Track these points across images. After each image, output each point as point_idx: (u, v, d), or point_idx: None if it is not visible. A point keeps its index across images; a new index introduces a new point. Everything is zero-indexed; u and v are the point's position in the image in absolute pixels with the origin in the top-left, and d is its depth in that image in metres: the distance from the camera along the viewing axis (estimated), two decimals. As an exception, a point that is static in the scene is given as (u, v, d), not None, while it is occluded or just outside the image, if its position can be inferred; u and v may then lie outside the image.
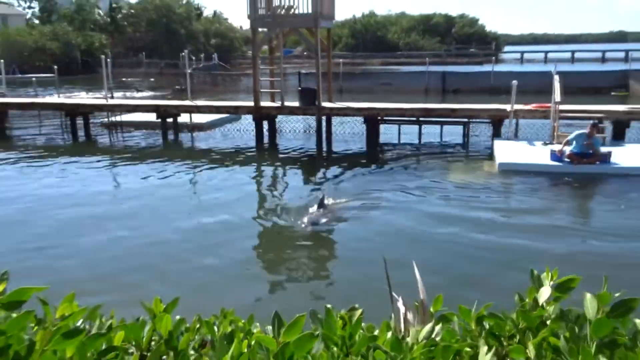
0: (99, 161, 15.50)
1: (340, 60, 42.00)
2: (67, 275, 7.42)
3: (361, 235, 8.99)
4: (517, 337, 1.52)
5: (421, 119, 16.91)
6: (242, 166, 14.81)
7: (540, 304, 1.50)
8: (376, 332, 1.61)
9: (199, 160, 15.40)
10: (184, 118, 19.18)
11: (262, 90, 18.04)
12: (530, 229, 9.13)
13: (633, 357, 1.37)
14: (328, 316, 1.57)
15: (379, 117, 17.08)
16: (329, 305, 1.79)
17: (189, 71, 21.88)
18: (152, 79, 44.92)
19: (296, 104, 17.35)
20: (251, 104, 17.58)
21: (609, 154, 12.55)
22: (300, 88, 18.09)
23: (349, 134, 18.32)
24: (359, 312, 1.66)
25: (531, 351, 1.36)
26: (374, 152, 16.29)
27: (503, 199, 11.33)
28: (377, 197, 11.24)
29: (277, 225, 9.68)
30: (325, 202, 10.25)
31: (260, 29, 17.48)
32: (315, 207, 9.96)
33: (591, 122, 13.09)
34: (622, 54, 63.57)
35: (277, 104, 17.70)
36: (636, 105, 16.35)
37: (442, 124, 17.01)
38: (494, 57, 47.45)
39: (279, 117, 18.52)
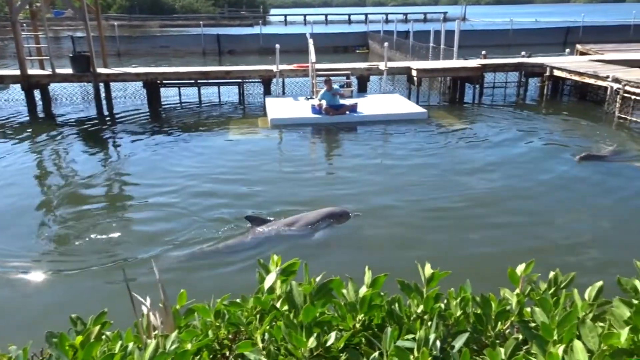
0: None
1: (115, 23, 38.20)
2: None
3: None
4: (255, 321, 1.52)
5: (199, 81, 16.41)
6: (15, 139, 12.69)
7: (265, 289, 1.50)
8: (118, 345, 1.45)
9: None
10: None
11: (29, 57, 15.53)
12: (296, 175, 9.63)
13: (346, 326, 1.46)
14: (61, 344, 1.37)
15: (158, 81, 16.08)
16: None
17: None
18: None
19: (71, 70, 15.35)
20: (17, 72, 15.03)
21: (355, 105, 13.75)
22: (71, 55, 15.94)
23: (130, 98, 16.96)
24: (96, 329, 1.48)
25: (259, 340, 1.36)
26: (157, 115, 15.36)
27: (276, 151, 11.70)
28: (161, 159, 10.71)
29: (63, 202, 8.59)
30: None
31: (17, -8, 14.80)
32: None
33: (324, 78, 14.02)
34: (363, 17, 69.42)
35: (48, 71, 15.43)
36: (374, 62, 18.09)
37: (218, 85, 16.73)
38: (261, 20, 47.94)
39: (53, 85, 16.22)
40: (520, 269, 1.70)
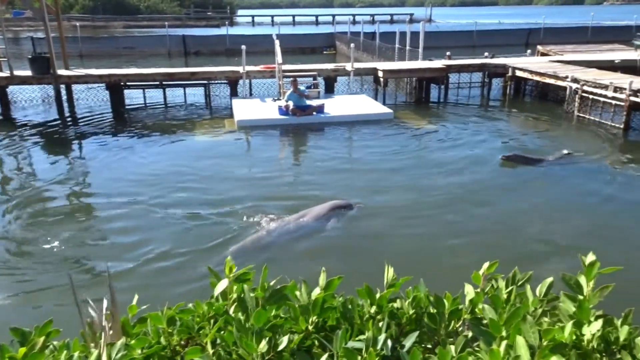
0: None
1: (78, 23, 37.25)
2: None
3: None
4: (207, 327, 1.50)
5: (164, 82, 16.14)
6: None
7: (215, 295, 1.48)
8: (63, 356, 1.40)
9: None
10: None
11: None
12: (263, 176, 9.58)
13: (299, 329, 1.45)
14: (1, 357, 1.32)
15: (122, 83, 15.74)
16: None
17: None
18: None
19: (30, 72, 14.88)
20: (-28, 74, 14.51)
21: (322, 106, 13.77)
22: (30, 56, 15.45)
23: (93, 100, 16.55)
24: (41, 340, 1.43)
25: (208, 346, 1.34)
26: (121, 117, 15.03)
27: (243, 152, 11.62)
28: (125, 163, 10.49)
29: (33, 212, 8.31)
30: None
31: (-30, -9, 14.27)
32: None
33: (290, 79, 14.01)
34: (330, 18, 69.61)
35: (6, 73, 14.94)
36: (340, 64, 18.16)
37: (184, 86, 16.50)
38: (227, 21, 47.56)
39: (11, 88, 15.70)
40: (483, 268, 1.73)
